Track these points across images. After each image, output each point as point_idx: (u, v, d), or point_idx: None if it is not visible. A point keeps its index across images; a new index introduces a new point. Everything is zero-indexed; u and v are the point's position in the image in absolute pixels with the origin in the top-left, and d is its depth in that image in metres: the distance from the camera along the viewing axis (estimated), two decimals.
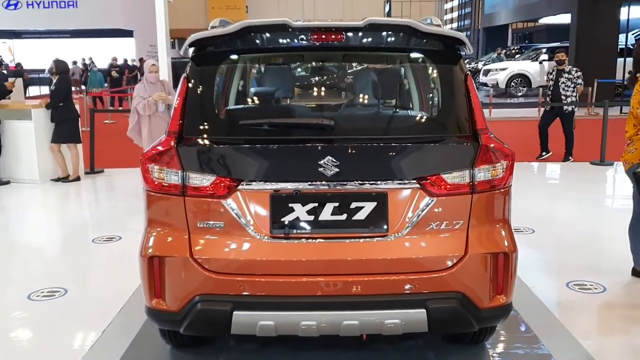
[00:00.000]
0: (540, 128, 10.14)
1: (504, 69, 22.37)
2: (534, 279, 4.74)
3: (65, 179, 8.86)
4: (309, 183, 2.86)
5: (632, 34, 21.84)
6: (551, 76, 10.15)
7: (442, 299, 2.89)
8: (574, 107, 9.96)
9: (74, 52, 28.81)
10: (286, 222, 2.88)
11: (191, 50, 3.16)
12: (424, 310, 2.85)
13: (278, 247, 2.88)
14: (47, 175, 8.87)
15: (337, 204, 2.88)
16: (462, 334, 3.54)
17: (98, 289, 4.86)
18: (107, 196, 8.71)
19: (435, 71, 3.36)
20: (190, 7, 33.69)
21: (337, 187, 2.87)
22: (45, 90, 22.90)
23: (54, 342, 3.91)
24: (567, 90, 9.85)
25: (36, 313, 4.34)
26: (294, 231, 2.88)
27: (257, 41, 3.11)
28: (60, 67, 8.87)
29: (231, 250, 2.90)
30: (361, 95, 3.72)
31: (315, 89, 4.25)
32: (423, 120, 3.52)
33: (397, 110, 3.52)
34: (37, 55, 32.11)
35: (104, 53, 28.24)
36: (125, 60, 25.82)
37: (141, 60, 21.67)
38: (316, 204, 2.88)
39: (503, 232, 3.02)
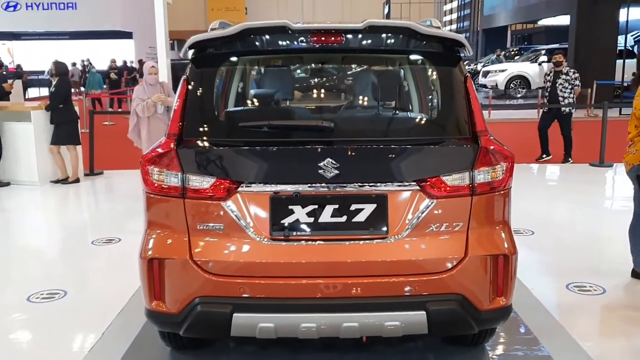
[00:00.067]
0: (540, 130, 10.15)
1: (503, 71, 22.37)
2: (534, 281, 4.74)
3: (64, 181, 8.86)
4: (309, 185, 2.87)
5: (631, 36, 21.90)
6: (549, 77, 10.17)
7: (442, 300, 2.89)
8: (571, 108, 9.97)
9: (73, 53, 28.79)
10: (286, 224, 2.88)
11: (191, 52, 3.16)
12: (424, 312, 2.85)
13: (278, 249, 2.88)
14: (47, 177, 8.87)
15: (336, 206, 2.89)
16: (462, 336, 3.54)
17: (97, 291, 4.85)
18: (106, 198, 8.70)
19: (434, 73, 3.36)
20: (190, 8, 33.73)
21: (337, 189, 2.87)
22: (44, 91, 22.92)
23: (53, 344, 3.91)
24: (565, 92, 9.86)
25: (35, 315, 4.33)
26: (294, 233, 2.88)
27: (257, 43, 3.11)
28: (60, 68, 8.87)
29: (231, 252, 2.90)
30: (361, 97, 3.72)
31: (315, 90, 4.25)
32: (423, 122, 3.52)
33: (397, 112, 3.52)
34: (36, 56, 32.12)
35: (103, 55, 28.26)
36: (125, 62, 25.81)
37: (140, 62, 21.66)
38: (316, 206, 2.88)
39: (503, 234, 3.02)
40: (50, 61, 9.32)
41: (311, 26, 3.05)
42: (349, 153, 2.89)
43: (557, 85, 9.91)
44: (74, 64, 25.50)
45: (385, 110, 3.47)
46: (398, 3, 35.71)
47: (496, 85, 21.91)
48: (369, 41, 3.10)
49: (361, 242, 2.89)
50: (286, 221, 2.88)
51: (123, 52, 29.27)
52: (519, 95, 21.51)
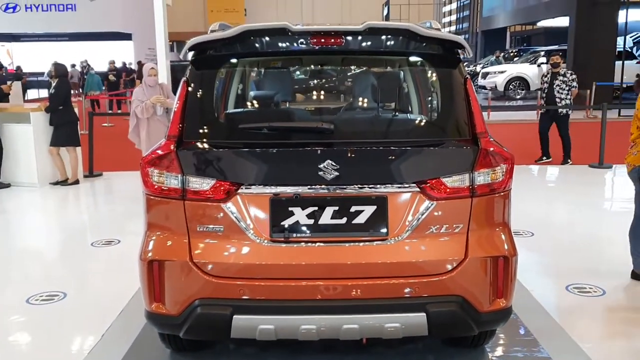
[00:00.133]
0: (541, 133, 10.17)
1: (502, 72, 22.39)
2: (534, 282, 4.74)
3: (64, 182, 8.85)
4: (309, 187, 2.87)
5: (630, 37, 21.92)
6: (546, 79, 10.19)
7: (442, 302, 2.89)
8: (568, 110, 9.98)
9: (73, 55, 28.78)
10: (286, 226, 2.88)
11: (191, 54, 3.16)
12: (424, 314, 2.85)
13: (278, 251, 2.88)
14: (46, 178, 8.86)
15: (336, 208, 2.89)
16: (462, 338, 3.54)
17: (97, 292, 4.85)
18: (106, 199, 8.70)
19: (434, 75, 3.36)
20: (189, 10, 33.73)
21: (337, 191, 2.87)
22: (43, 93, 22.90)
23: (52, 346, 3.90)
24: (562, 93, 9.88)
25: (35, 317, 4.33)
26: (294, 235, 2.88)
27: (257, 45, 3.12)
28: (59, 70, 8.87)
29: (231, 254, 2.90)
30: (361, 99, 3.72)
31: (314, 92, 4.25)
32: (422, 123, 3.52)
33: (397, 113, 3.52)
34: (35, 58, 32.11)
35: (102, 56, 28.25)
36: (124, 64, 25.81)
37: (139, 64, 21.64)
38: (316, 208, 2.88)
39: (503, 236, 3.03)
40: (49, 63, 9.31)
41: (311, 28, 3.05)
42: (349, 155, 2.89)
43: (554, 86, 9.93)
44: (73, 66, 25.49)
45: (385, 112, 3.48)
46: (397, 4, 35.72)
47: (495, 86, 21.93)
48: (369, 43, 3.10)
49: (361, 243, 2.89)
50: (286, 223, 2.88)
51: (122, 53, 29.25)
52: (518, 97, 21.53)
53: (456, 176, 2.92)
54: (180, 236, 2.94)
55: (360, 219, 2.89)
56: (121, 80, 22.51)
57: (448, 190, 2.92)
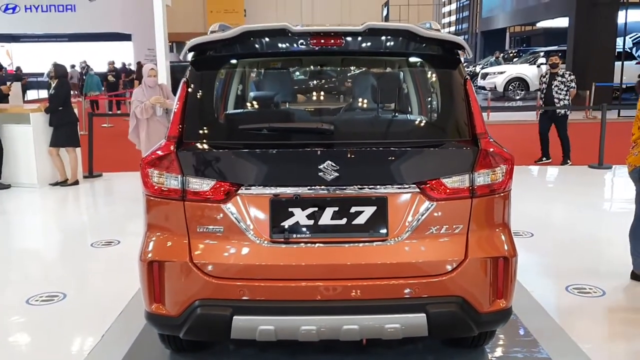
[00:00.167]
0: (541, 134, 10.18)
1: (501, 73, 22.40)
2: (533, 283, 4.74)
3: (63, 183, 8.85)
4: (309, 187, 2.87)
5: (630, 38, 21.93)
6: (544, 79, 10.21)
7: (442, 303, 2.89)
8: (566, 110, 9.99)
9: (73, 56, 28.77)
10: (286, 227, 2.88)
11: (191, 54, 3.16)
12: (424, 315, 2.85)
13: (278, 252, 2.89)
14: (46, 179, 8.86)
15: (336, 209, 2.89)
16: (462, 338, 3.54)
17: (97, 293, 4.85)
18: (105, 200, 8.70)
19: (434, 75, 3.37)
20: (189, 10, 33.72)
21: (337, 192, 2.87)
22: (43, 94, 22.89)
23: (52, 347, 3.90)
24: (560, 94, 9.90)
25: (35, 317, 4.33)
26: (294, 236, 2.88)
27: (257, 46, 3.12)
28: (59, 71, 8.87)
29: (231, 254, 2.90)
30: (361, 100, 3.72)
31: (314, 93, 4.25)
32: (422, 124, 3.52)
33: (397, 114, 3.52)
34: (35, 58, 32.09)
35: (102, 57, 28.23)
36: (124, 64, 25.80)
37: (139, 64, 21.63)
38: (316, 209, 2.89)
39: (503, 237, 3.03)
40: (49, 63, 9.30)
41: (311, 29, 3.05)
42: (349, 155, 2.89)
43: (552, 87, 9.95)
44: (73, 66, 25.48)
45: (385, 113, 3.48)
46: (397, 5, 35.74)
47: (495, 87, 21.94)
48: (369, 44, 3.10)
49: (361, 244, 2.90)
50: (286, 224, 2.88)
51: (122, 54, 29.25)
52: (517, 97, 21.54)
53: (456, 177, 2.93)
54: (180, 237, 2.94)
55: (360, 220, 2.89)
56: (120, 81, 22.50)
57: (448, 190, 2.92)
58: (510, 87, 21.83)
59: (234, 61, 3.36)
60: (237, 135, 3.16)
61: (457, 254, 2.92)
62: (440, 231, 2.92)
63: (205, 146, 3.00)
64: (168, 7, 9.89)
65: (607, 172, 9.50)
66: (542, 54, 22.44)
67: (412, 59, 3.36)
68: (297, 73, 4.27)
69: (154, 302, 2.99)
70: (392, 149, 2.95)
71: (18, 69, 27.62)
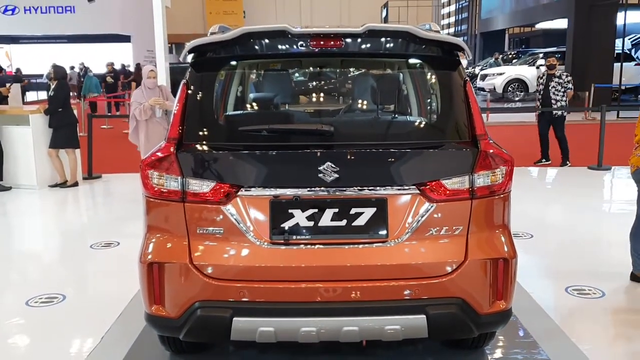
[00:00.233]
0: (541, 135, 10.20)
1: (501, 74, 22.41)
2: (533, 284, 4.74)
3: (63, 185, 8.85)
4: (309, 189, 2.87)
5: (629, 39, 21.94)
6: (541, 80, 10.24)
7: (442, 304, 2.89)
8: (563, 111, 10.01)
9: (72, 57, 28.78)
10: (286, 228, 2.88)
11: (190, 56, 3.16)
12: (424, 316, 2.85)
13: (278, 253, 2.88)
14: (45, 180, 8.85)
15: (336, 210, 2.89)
16: (462, 340, 3.54)
17: (96, 295, 4.85)
18: (105, 201, 8.70)
19: (434, 77, 3.37)
20: (188, 12, 33.71)
21: (337, 193, 2.87)
22: (42, 95, 22.88)
23: (52, 348, 3.89)
24: (557, 95, 9.92)
25: (34, 319, 4.32)
26: (294, 237, 2.88)
27: (257, 47, 3.12)
28: (58, 72, 8.86)
29: (231, 256, 2.90)
30: (360, 101, 3.73)
31: (314, 94, 4.25)
32: (422, 126, 3.53)
33: (397, 115, 3.53)
34: (34, 60, 32.09)
35: (101, 58, 28.23)
36: (123, 66, 25.79)
37: (138, 66, 21.60)
38: (316, 210, 2.89)
39: (503, 238, 3.03)
40: (48, 65, 9.30)
41: (311, 30, 3.05)
42: (349, 157, 2.89)
43: (549, 88, 9.97)
44: (72, 68, 25.47)
45: (385, 114, 3.48)
46: (396, 7, 35.73)
47: (494, 88, 21.95)
48: (369, 45, 3.10)
49: (361, 245, 2.89)
50: (286, 225, 2.88)
51: (121, 55, 29.25)
52: (516, 99, 21.56)
53: (456, 178, 2.93)
54: (180, 238, 2.94)
55: (360, 221, 2.89)
56: (119, 82, 22.49)
57: (448, 192, 2.92)
58: (509, 88, 21.84)
59: (233, 63, 3.36)
60: (237, 137, 3.16)
61: (457, 255, 2.92)
62: (440, 232, 2.92)
63: (205, 148, 3.00)
64: (167, 9, 9.89)
65: (606, 174, 9.50)
66: (541, 55, 22.45)
67: (412, 61, 3.37)
68: (297, 74, 4.27)
69: (154, 304, 2.99)
70: (392, 150, 2.95)
71: (18, 70, 27.61)
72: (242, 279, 2.88)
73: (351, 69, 3.87)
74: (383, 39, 3.11)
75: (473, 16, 38.15)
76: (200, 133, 3.07)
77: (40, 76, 26.88)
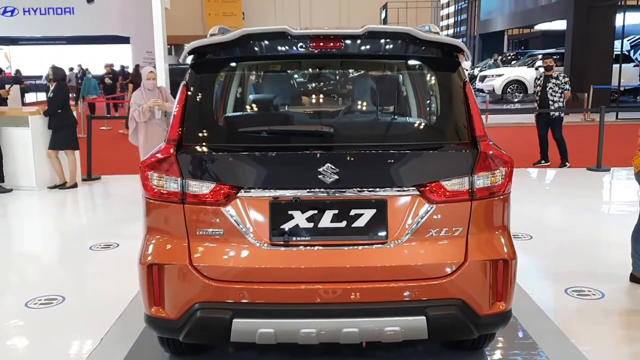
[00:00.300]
0: (540, 137, 10.20)
1: (500, 75, 22.42)
2: (533, 286, 4.74)
3: (62, 186, 8.84)
4: (308, 190, 2.87)
5: (628, 40, 21.96)
6: (539, 82, 10.25)
7: (441, 306, 2.89)
8: (560, 113, 10.02)
9: (71, 58, 28.77)
10: (286, 230, 2.88)
11: (190, 57, 3.16)
12: (424, 318, 2.85)
13: (277, 255, 2.88)
14: (45, 182, 8.85)
15: (336, 211, 2.89)
16: (462, 341, 3.54)
17: (96, 296, 4.84)
18: (104, 203, 8.69)
19: (433, 78, 3.37)
20: (187, 13, 33.71)
21: (337, 194, 2.87)
22: (41, 96, 22.87)
23: (51, 350, 3.89)
24: (555, 96, 9.93)
25: (33, 321, 4.32)
26: (294, 238, 2.88)
27: (257, 49, 3.12)
28: (58, 74, 8.86)
29: (230, 257, 2.90)
30: (360, 103, 3.73)
31: (314, 96, 4.25)
32: (422, 127, 3.53)
33: (396, 117, 3.53)
34: (33, 61, 32.09)
35: (100, 60, 28.23)
36: (122, 67, 25.79)
37: (136, 67, 21.59)
38: (315, 211, 2.89)
39: (502, 239, 3.03)
40: (47, 66, 9.30)
41: (311, 32, 3.06)
42: (349, 158, 2.89)
43: (547, 89, 9.99)
44: (71, 69, 25.47)
45: (385, 116, 3.48)
46: (395, 8, 35.75)
47: (493, 89, 21.97)
48: (368, 46, 3.10)
49: (361, 247, 2.89)
50: (286, 226, 2.88)
51: (120, 56, 29.26)
52: (516, 100, 21.57)
53: (456, 179, 2.93)
54: (179, 240, 2.94)
55: (360, 223, 2.89)
56: (117, 84, 22.48)
57: (447, 193, 2.92)
58: (508, 89, 21.85)
59: (233, 64, 3.36)
60: (236, 138, 3.16)
61: (457, 256, 2.92)
62: (440, 234, 2.93)
63: (205, 149, 3.00)
64: (167, 10, 9.89)
65: (605, 175, 9.51)
66: (540, 56, 22.46)
67: (412, 62, 3.37)
68: (297, 76, 4.27)
69: (154, 305, 2.99)
70: (391, 151, 2.95)
71: (17, 71, 27.60)
72: (241, 281, 2.88)
73: (351, 70, 3.87)
74: (383, 41, 3.12)
75: (472, 17, 38.18)
76: (200, 134, 3.07)
77: (40, 77, 26.88)
